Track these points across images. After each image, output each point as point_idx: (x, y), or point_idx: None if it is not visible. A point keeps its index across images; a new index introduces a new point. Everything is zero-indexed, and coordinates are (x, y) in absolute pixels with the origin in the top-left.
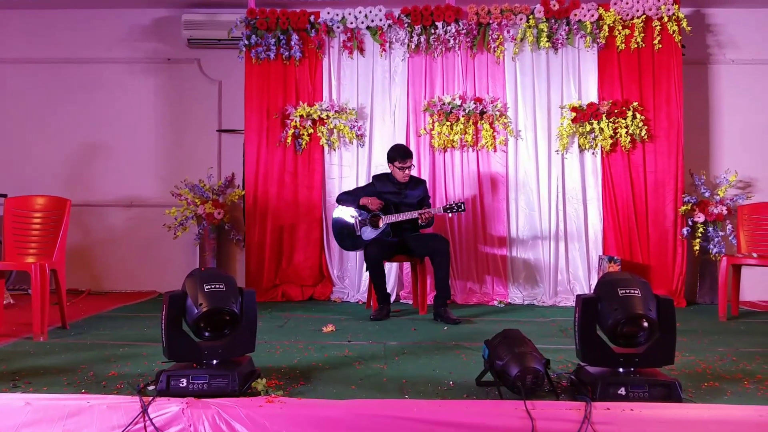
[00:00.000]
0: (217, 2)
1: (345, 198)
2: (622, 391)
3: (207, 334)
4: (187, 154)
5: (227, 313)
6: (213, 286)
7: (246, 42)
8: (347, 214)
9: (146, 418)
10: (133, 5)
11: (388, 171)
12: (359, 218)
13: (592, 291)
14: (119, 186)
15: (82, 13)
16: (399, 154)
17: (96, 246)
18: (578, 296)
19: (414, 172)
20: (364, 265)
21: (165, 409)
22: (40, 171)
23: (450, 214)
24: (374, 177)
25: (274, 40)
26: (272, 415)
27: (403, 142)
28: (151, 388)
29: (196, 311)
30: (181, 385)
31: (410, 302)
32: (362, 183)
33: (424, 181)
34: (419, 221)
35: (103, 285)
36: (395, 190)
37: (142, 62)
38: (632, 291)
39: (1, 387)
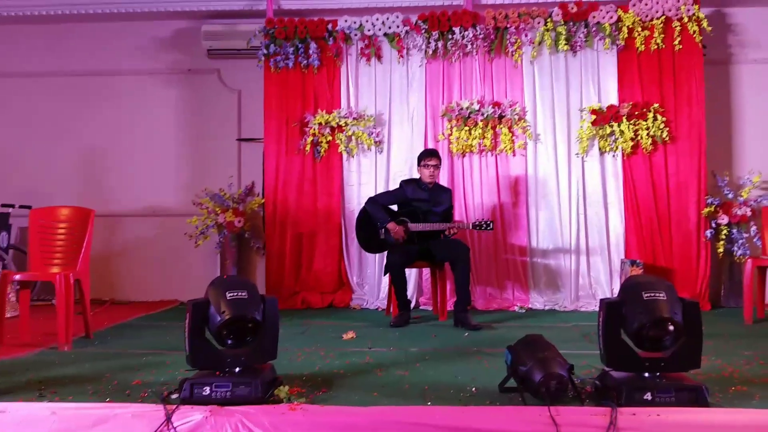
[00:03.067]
0: (236, 13)
1: (373, 213)
2: (647, 396)
3: (230, 341)
4: (208, 163)
5: (250, 320)
6: (235, 294)
7: (265, 51)
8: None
9: (170, 426)
10: (153, 17)
11: (417, 176)
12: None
13: (615, 295)
14: (141, 196)
15: (103, 26)
16: (423, 153)
17: (118, 256)
18: (602, 300)
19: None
20: (383, 271)
21: (189, 417)
22: (63, 182)
23: (478, 230)
24: (403, 182)
25: (292, 48)
26: (295, 423)
27: (421, 148)
28: (174, 396)
29: (219, 319)
30: (204, 393)
31: (430, 308)
32: (380, 189)
33: (450, 191)
34: (446, 232)
35: (126, 294)
36: (425, 197)
37: (163, 73)
38: (657, 294)
39: (28, 396)
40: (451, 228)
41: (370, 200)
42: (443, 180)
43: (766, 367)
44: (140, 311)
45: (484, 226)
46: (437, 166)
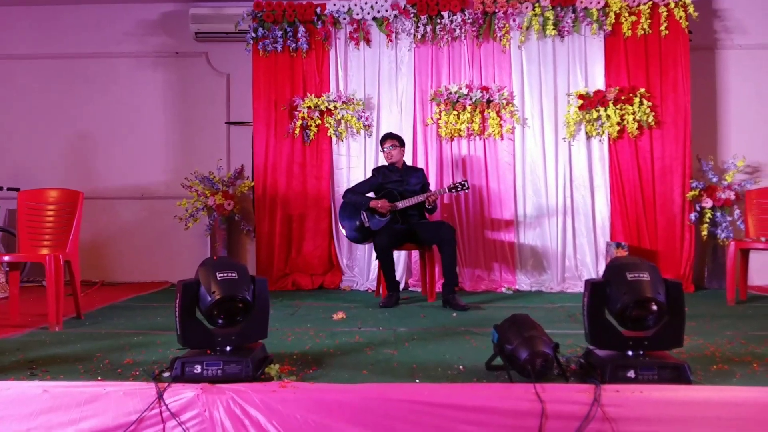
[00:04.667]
0: None
1: (353, 200)
2: (631, 373)
3: (220, 321)
4: (197, 147)
5: (240, 300)
6: (226, 275)
7: (253, 35)
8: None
9: (162, 403)
10: (141, 0)
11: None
12: (365, 210)
13: (600, 276)
14: (130, 178)
15: (90, 8)
16: (380, 139)
17: (108, 238)
18: (587, 280)
19: (421, 162)
20: (373, 254)
21: (180, 394)
22: (52, 165)
23: (455, 193)
24: (374, 169)
25: (281, 32)
26: (286, 400)
27: (410, 132)
28: (166, 374)
29: (210, 299)
30: (195, 371)
31: (419, 290)
32: (370, 173)
33: (421, 169)
34: (426, 204)
35: (116, 276)
36: (398, 178)
37: (151, 56)
38: (641, 275)
39: (19, 375)
40: (429, 197)
41: (347, 191)
42: (432, 164)
43: (747, 347)
44: (131, 292)
45: (459, 187)
46: (394, 146)
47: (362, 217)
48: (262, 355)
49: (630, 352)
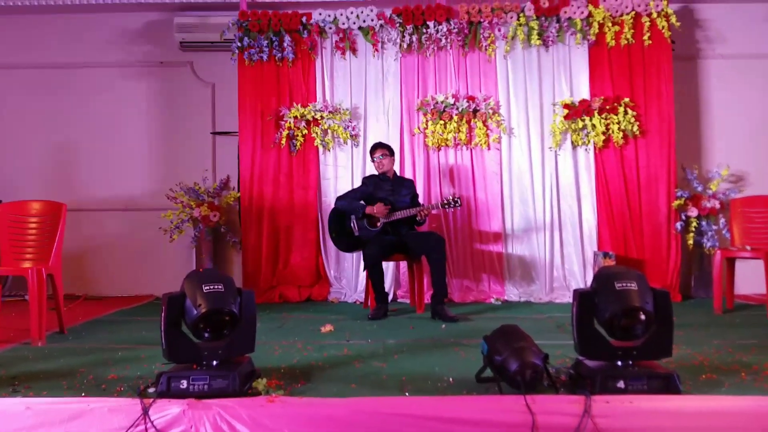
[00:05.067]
0: (208, 5)
1: (345, 207)
2: (620, 384)
3: (206, 335)
4: (182, 157)
5: (226, 313)
6: (212, 287)
7: (238, 44)
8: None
9: (147, 420)
10: (124, 9)
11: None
12: (356, 219)
13: (588, 286)
14: (114, 190)
15: (74, 17)
16: (370, 149)
17: (92, 251)
18: (575, 290)
19: (408, 172)
20: (361, 265)
21: (166, 410)
22: (34, 176)
23: (447, 209)
24: (364, 178)
25: (266, 41)
26: (274, 415)
27: (397, 142)
28: (151, 390)
29: (196, 312)
30: (181, 386)
31: (407, 301)
32: (357, 183)
33: (411, 180)
34: (417, 218)
35: (100, 290)
36: (389, 188)
37: (135, 66)
38: (629, 284)
39: (1, 392)
40: (421, 210)
41: (339, 198)
42: (419, 173)
43: (735, 356)
44: (115, 306)
45: (453, 203)
46: (385, 155)
47: (351, 224)
48: (249, 369)
49: (619, 362)
